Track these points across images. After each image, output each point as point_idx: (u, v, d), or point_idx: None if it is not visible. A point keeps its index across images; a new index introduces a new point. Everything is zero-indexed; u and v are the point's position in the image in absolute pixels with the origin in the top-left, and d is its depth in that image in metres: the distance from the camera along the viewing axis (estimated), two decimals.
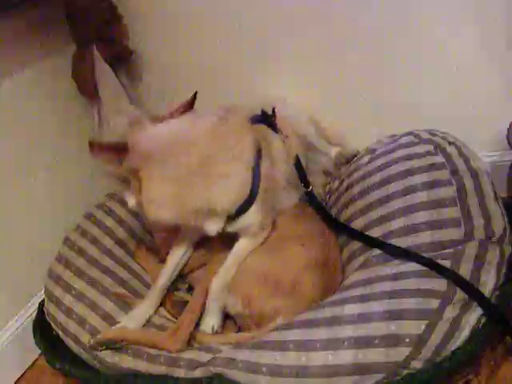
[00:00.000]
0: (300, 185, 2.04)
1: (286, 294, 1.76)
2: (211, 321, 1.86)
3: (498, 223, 1.64)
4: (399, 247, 1.70)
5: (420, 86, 2.24)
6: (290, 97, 2.40)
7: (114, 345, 1.84)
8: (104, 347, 1.84)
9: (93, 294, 1.99)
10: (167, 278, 2.01)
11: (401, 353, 1.40)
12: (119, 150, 1.64)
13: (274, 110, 2.06)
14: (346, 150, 2.31)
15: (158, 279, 2.01)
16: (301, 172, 2.03)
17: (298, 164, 2.02)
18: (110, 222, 2.28)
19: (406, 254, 1.65)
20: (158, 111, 2.68)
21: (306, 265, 1.79)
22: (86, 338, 1.89)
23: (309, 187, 2.02)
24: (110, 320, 1.93)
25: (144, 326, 1.93)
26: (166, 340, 1.81)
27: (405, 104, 2.28)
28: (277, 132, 2.00)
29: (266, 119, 1.99)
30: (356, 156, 2.21)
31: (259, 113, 2.03)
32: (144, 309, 1.96)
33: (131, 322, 1.91)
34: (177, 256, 2.03)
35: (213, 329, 1.85)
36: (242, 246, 1.88)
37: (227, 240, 1.90)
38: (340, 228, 1.99)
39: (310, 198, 2.03)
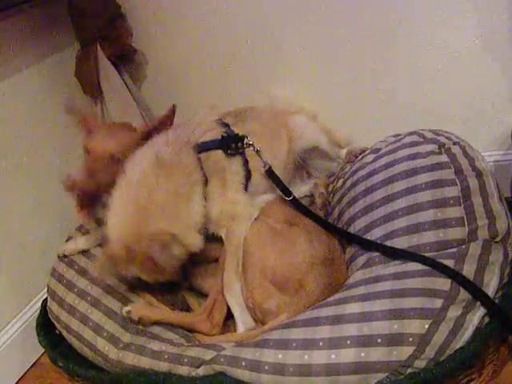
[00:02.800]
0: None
1: (292, 293, 1.76)
2: (243, 326, 1.85)
3: (502, 223, 1.63)
4: (398, 248, 1.70)
5: (423, 86, 2.25)
6: (293, 98, 2.41)
7: (146, 324, 1.88)
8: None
9: (96, 292, 1.99)
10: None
11: (404, 352, 1.40)
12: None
13: (242, 138, 2.04)
14: (354, 148, 2.33)
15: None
16: (276, 181, 2.03)
17: (271, 175, 2.04)
18: None
19: (409, 255, 1.65)
20: (161, 109, 2.71)
21: (313, 263, 1.79)
22: (88, 335, 1.90)
23: (290, 196, 2.00)
24: (113, 316, 1.92)
25: None
26: (203, 323, 1.86)
27: (408, 104, 2.29)
28: (238, 153, 2.02)
29: (223, 146, 2.00)
30: (365, 151, 2.20)
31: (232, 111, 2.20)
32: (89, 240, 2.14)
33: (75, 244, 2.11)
34: None
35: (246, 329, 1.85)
36: (227, 249, 1.92)
37: None
38: (335, 231, 1.98)
39: (295, 206, 2.01)
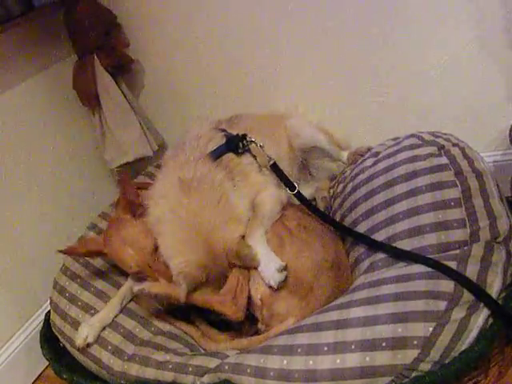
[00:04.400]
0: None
1: (301, 296, 1.76)
2: (273, 265, 1.78)
3: (504, 224, 1.63)
4: (403, 250, 1.69)
5: (422, 88, 2.25)
6: (293, 104, 2.42)
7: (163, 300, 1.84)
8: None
9: (99, 306, 1.99)
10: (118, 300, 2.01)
11: (409, 355, 1.39)
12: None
13: (244, 136, 2.07)
14: (359, 148, 2.33)
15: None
16: (281, 175, 2.05)
17: (275, 169, 2.05)
18: None
19: (412, 257, 1.64)
20: (158, 118, 2.71)
21: (325, 267, 1.80)
22: (93, 348, 1.89)
23: (294, 189, 2.02)
24: (117, 329, 1.92)
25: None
26: (228, 305, 1.79)
27: (407, 106, 2.29)
28: (245, 151, 2.04)
29: (231, 147, 2.02)
30: (371, 150, 2.20)
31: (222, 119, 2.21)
32: (101, 316, 1.95)
33: (87, 328, 1.90)
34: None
35: (279, 270, 1.76)
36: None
37: None
38: (341, 230, 1.99)
39: (299, 199, 2.02)
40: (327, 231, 1.95)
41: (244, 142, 2.03)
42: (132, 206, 1.94)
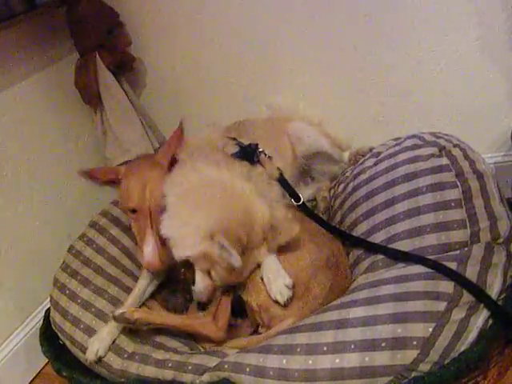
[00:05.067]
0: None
1: (299, 297, 1.76)
2: (282, 281, 1.76)
3: (504, 225, 1.63)
4: (401, 251, 1.70)
5: (423, 88, 2.25)
6: (294, 105, 2.42)
7: (142, 324, 1.83)
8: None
9: (99, 303, 1.99)
10: (134, 300, 1.98)
11: (408, 356, 1.39)
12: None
13: (256, 146, 2.07)
14: (361, 148, 2.32)
15: (126, 300, 1.99)
16: (287, 187, 2.04)
17: (282, 180, 2.04)
18: (114, 230, 2.25)
19: (411, 258, 1.65)
20: (160, 117, 2.71)
21: (319, 266, 1.79)
22: None
23: (299, 201, 2.02)
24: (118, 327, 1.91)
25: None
26: (209, 326, 1.81)
27: (408, 106, 2.29)
28: (256, 161, 2.03)
29: (246, 155, 2.01)
30: (372, 150, 2.20)
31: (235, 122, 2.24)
32: (109, 329, 1.91)
33: (97, 342, 1.87)
34: (145, 281, 2.03)
35: (288, 287, 1.74)
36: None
37: None
38: (341, 235, 1.98)
39: (304, 211, 2.02)
40: (323, 231, 1.95)
41: (257, 152, 2.03)
42: (172, 157, 1.95)
